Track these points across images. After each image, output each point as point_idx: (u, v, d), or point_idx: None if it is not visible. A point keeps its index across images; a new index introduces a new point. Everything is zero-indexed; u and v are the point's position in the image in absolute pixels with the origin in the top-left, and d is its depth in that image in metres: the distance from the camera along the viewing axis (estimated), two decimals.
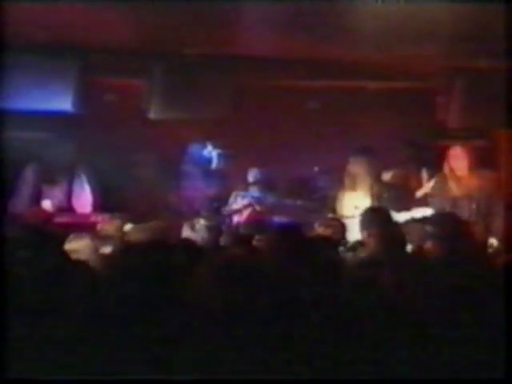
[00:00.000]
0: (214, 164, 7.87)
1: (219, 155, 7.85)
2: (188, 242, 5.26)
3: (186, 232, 6.51)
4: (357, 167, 7.94)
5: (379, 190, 7.88)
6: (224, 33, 7.28)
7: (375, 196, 7.86)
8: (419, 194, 7.87)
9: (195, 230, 6.17)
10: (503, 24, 6.27)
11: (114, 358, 3.21)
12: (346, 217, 7.66)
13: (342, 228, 6.44)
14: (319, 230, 6.12)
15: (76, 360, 3.20)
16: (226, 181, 8.09)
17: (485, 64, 7.89)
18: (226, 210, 7.75)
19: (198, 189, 7.77)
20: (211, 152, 7.87)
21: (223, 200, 7.99)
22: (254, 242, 5.40)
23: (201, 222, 6.77)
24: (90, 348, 3.23)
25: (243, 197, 8.02)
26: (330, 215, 7.74)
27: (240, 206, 7.81)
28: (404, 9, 6.32)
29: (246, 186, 8.32)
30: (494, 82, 7.72)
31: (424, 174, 8.05)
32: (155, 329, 3.28)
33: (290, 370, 3.18)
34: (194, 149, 7.99)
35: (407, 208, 7.51)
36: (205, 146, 7.92)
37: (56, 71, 8.01)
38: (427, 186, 7.84)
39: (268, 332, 3.27)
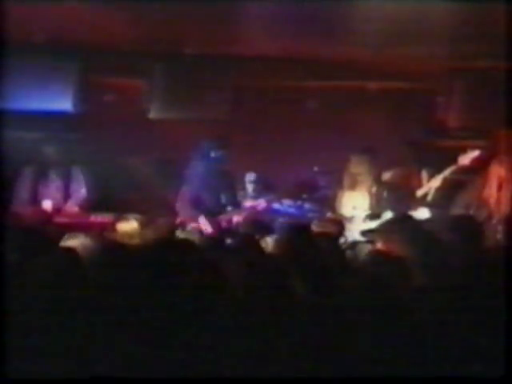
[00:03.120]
0: (217, 165, 7.84)
1: (221, 156, 7.83)
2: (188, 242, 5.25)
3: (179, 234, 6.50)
4: (357, 166, 7.93)
5: (379, 189, 7.88)
6: (224, 33, 7.29)
7: (374, 196, 7.86)
8: (420, 193, 7.87)
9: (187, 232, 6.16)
10: (503, 24, 6.27)
11: (114, 358, 3.21)
12: (345, 216, 7.68)
13: (341, 227, 6.43)
14: (318, 229, 6.10)
15: (76, 360, 3.20)
16: (227, 181, 8.06)
17: (485, 64, 7.90)
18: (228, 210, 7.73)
19: (198, 189, 7.75)
20: (213, 153, 7.85)
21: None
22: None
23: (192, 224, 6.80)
24: (90, 348, 3.23)
25: (245, 197, 8.02)
26: (330, 215, 7.73)
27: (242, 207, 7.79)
28: (404, 9, 6.33)
29: (244, 186, 8.31)
30: (494, 81, 7.72)
31: (424, 174, 8.05)
32: (156, 328, 3.28)
33: (287, 365, 3.19)
34: (196, 149, 7.99)
35: (407, 208, 7.50)
36: (207, 147, 7.90)
37: (56, 71, 8.02)
38: (427, 186, 7.84)
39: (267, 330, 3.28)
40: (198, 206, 7.46)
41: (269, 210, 7.77)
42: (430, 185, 7.77)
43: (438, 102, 8.76)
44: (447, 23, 6.82)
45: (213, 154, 7.69)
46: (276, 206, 7.91)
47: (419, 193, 7.83)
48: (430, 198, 7.73)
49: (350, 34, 7.06)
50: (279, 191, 8.29)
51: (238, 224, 7.25)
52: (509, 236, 6.11)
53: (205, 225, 7.24)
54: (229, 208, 7.59)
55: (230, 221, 7.45)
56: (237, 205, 7.71)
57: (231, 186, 7.81)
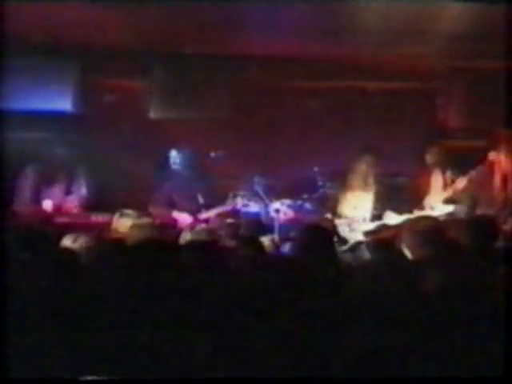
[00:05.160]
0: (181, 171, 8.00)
1: (184, 164, 8.00)
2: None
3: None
4: (359, 166, 7.94)
5: (381, 190, 7.89)
6: (224, 33, 7.28)
7: (377, 196, 7.86)
8: (445, 194, 7.89)
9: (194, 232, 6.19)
10: (503, 24, 6.27)
11: (114, 358, 3.21)
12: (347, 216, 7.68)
13: (333, 228, 6.45)
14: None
15: (76, 360, 3.21)
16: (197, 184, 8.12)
17: (485, 64, 7.89)
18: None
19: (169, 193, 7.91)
20: (176, 161, 8.02)
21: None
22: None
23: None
24: (90, 347, 3.23)
25: (242, 197, 8.01)
26: (324, 215, 7.75)
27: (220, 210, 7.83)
28: (404, 9, 6.33)
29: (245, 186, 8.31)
30: (494, 82, 7.72)
31: (448, 176, 8.05)
32: (155, 328, 3.28)
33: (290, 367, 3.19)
34: (176, 152, 8.10)
35: (410, 209, 7.51)
36: (170, 156, 8.06)
37: (56, 72, 8.02)
38: (453, 188, 7.85)
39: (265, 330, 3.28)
40: (171, 208, 7.65)
41: (238, 211, 7.85)
42: (456, 186, 7.79)
43: (438, 101, 8.75)
44: (447, 23, 6.81)
45: (175, 163, 7.90)
46: (245, 207, 7.96)
47: (445, 194, 7.86)
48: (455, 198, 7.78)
49: (349, 33, 7.05)
50: (279, 191, 8.28)
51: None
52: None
53: (181, 217, 7.41)
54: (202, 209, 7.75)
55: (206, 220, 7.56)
56: (209, 206, 7.81)
57: (203, 189, 7.94)
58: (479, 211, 7.42)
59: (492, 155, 7.81)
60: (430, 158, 8.23)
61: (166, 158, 8.18)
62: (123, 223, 6.16)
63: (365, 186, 7.87)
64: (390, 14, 6.49)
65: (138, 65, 8.24)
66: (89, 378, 3.16)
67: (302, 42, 7.48)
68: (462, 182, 7.77)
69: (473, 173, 7.71)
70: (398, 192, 8.12)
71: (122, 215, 6.25)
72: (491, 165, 7.79)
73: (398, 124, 8.76)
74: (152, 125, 8.47)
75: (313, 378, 3.21)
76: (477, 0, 6.09)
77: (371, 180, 7.90)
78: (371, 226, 7.09)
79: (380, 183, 7.97)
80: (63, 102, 8.07)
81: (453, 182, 7.94)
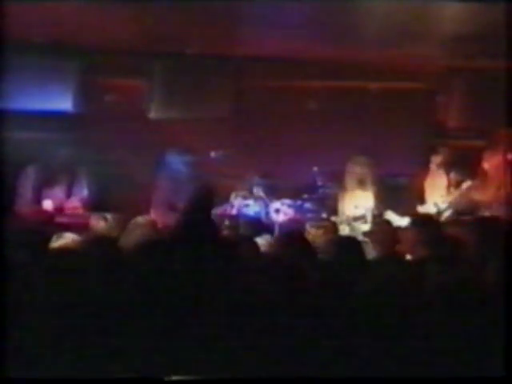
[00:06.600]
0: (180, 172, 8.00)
1: (183, 165, 8.00)
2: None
3: None
4: (357, 166, 7.93)
5: (379, 190, 7.88)
6: (224, 33, 7.29)
7: (376, 196, 7.85)
8: (450, 197, 7.88)
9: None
10: (503, 24, 6.27)
11: (113, 357, 3.21)
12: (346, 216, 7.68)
13: (334, 228, 6.45)
14: (311, 231, 6.12)
15: (76, 359, 3.21)
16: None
17: (485, 64, 7.90)
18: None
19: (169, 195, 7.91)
20: (175, 162, 8.02)
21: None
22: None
23: None
24: (90, 347, 3.23)
25: (244, 197, 8.01)
26: (324, 216, 7.76)
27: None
28: (404, 9, 6.33)
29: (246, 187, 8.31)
30: (494, 82, 7.72)
31: (453, 177, 8.04)
32: (153, 328, 3.29)
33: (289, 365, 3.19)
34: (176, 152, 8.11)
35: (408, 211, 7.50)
36: (169, 157, 8.06)
37: (56, 71, 8.03)
38: (458, 190, 7.85)
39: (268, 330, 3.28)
40: (172, 211, 7.64)
41: (238, 211, 7.85)
42: (463, 187, 7.79)
43: (438, 101, 8.76)
44: (447, 23, 6.82)
45: (174, 164, 7.89)
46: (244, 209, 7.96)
47: (449, 197, 7.85)
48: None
49: (350, 34, 7.06)
50: (279, 191, 8.28)
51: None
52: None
53: None
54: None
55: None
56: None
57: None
58: (483, 212, 7.40)
59: (493, 155, 7.80)
60: (433, 159, 8.23)
61: (166, 158, 8.17)
62: (102, 226, 6.20)
63: (362, 187, 7.85)
64: (390, 14, 6.49)
65: (138, 65, 8.25)
66: (89, 377, 3.17)
67: (303, 42, 7.49)
68: (468, 184, 7.76)
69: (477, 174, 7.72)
70: (399, 192, 8.12)
71: (103, 219, 6.28)
72: (492, 165, 7.77)
73: (398, 124, 8.77)
74: (152, 125, 8.47)
75: (313, 378, 3.21)
76: (477, 0, 6.10)
77: (368, 181, 7.87)
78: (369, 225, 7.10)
79: (381, 184, 7.95)
80: (64, 102, 8.08)
81: (459, 183, 7.93)
